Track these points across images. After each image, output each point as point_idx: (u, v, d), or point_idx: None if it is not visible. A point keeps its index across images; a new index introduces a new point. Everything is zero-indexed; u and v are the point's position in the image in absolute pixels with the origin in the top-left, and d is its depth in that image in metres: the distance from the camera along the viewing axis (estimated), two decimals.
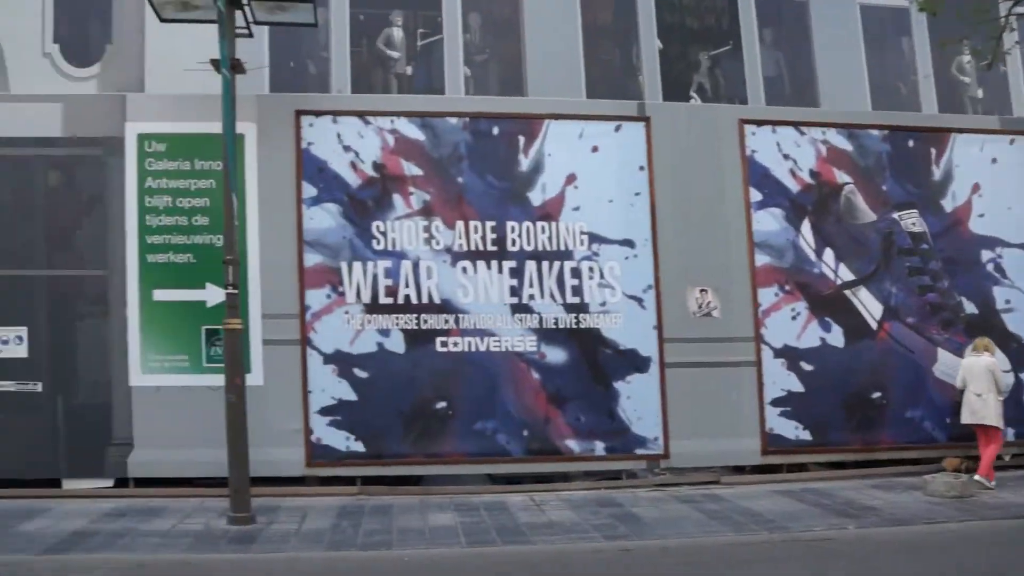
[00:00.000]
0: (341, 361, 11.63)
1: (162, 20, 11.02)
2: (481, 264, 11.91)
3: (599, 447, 12.03)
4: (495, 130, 12.13)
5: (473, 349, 11.82)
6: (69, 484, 11.58)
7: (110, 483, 11.59)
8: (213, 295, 11.34)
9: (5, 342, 11.59)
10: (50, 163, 11.90)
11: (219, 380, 10.55)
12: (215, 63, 10.49)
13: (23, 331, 11.63)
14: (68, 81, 12.63)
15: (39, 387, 11.63)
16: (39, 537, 9.53)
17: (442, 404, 11.77)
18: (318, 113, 11.88)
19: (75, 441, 11.62)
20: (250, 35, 11.12)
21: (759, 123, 12.65)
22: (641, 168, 12.25)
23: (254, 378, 11.17)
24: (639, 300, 12.17)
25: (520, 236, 11.99)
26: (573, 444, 11.98)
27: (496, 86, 13.20)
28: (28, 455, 11.60)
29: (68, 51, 12.80)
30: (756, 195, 12.50)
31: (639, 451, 12.07)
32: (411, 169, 11.90)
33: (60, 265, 11.83)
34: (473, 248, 11.91)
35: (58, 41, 12.79)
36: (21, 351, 11.62)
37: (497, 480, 12.11)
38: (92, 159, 11.83)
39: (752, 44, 13.65)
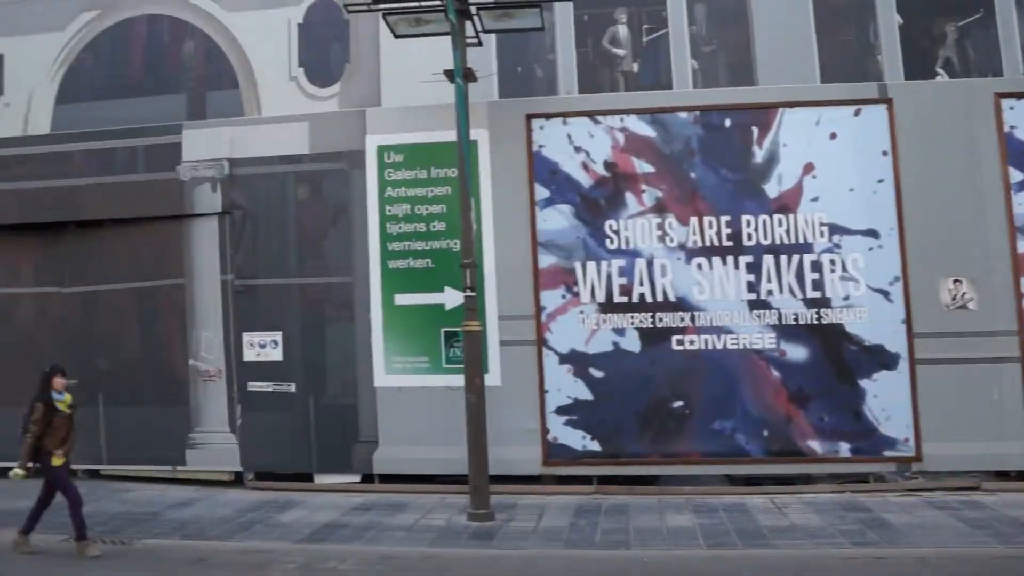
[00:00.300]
0: (577, 361, 11.67)
1: (396, 36, 11.44)
2: (716, 260, 11.60)
3: (844, 448, 11.40)
4: (727, 122, 11.79)
5: (710, 347, 11.53)
6: (320, 478, 12.30)
7: (357, 478, 12.19)
8: (451, 298, 11.69)
9: (263, 346, 12.44)
10: (299, 178, 12.66)
11: (458, 380, 10.86)
12: (448, 74, 10.80)
13: (278, 336, 12.46)
14: (312, 101, 13.37)
15: (293, 388, 12.41)
16: (296, 527, 10.18)
17: (679, 403, 11.54)
18: (548, 116, 11.99)
19: (325, 438, 12.29)
20: (479, 44, 11.41)
21: (1018, 96, 11.57)
22: (884, 153, 11.53)
23: (492, 378, 11.37)
24: (885, 293, 11.44)
25: (756, 230, 11.58)
26: (816, 445, 11.43)
27: (725, 77, 12.79)
28: (284, 451, 12.44)
29: (311, 73, 13.56)
30: (1016, 175, 11.43)
31: (888, 453, 11.34)
32: (642, 166, 11.78)
33: (310, 273, 12.57)
34: (708, 244, 11.62)
35: (303, 65, 13.59)
36: (277, 354, 12.45)
37: (735, 481, 11.74)
38: (337, 172, 12.48)
39: (1007, 9, 12.41)
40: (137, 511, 11.06)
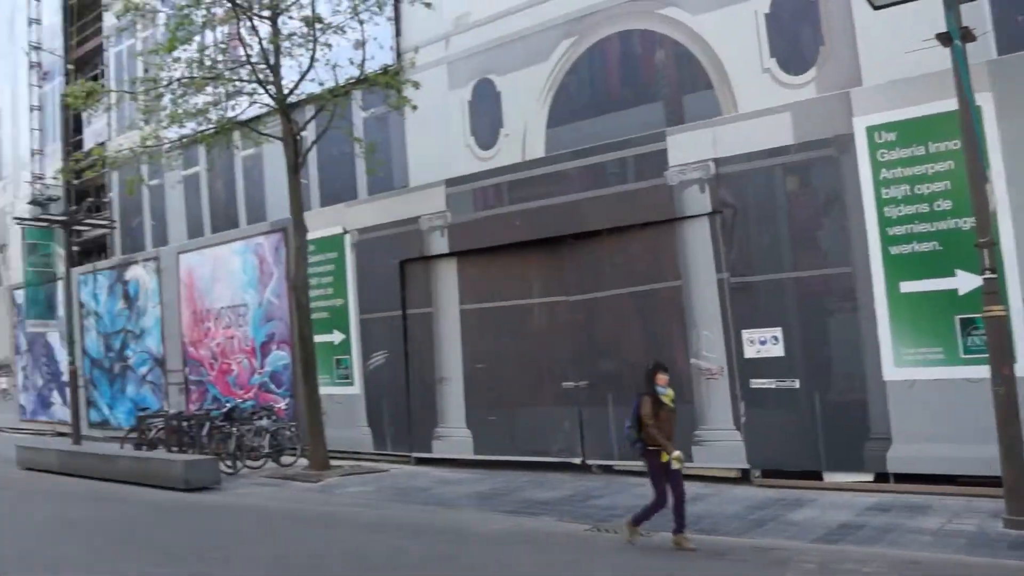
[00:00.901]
0: None
1: (876, 8, 10.85)
2: None
3: None
4: None
5: None
6: (829, 476, 11.98)
7: (869, 477, 11.68)
8: (965, 282, 10.78)
9: (763, 342, 12.45)
10: (786, 170, 12.44)
11: (979, 372, 10.05)
12: (942, 37, 9.96)
13: (778, 331, 12.38)
14: (788, 90, 13.17)
15: (796, 383, 12.23)
16: (809, 526, 10.00)
17: None
18: None
19: (832, 435, 11.94)
20: None
21: None
22: None
23: (1020, 368, 10.18)
24: None
25: None
26: None
27: None
28: (790, 448, 12.30)
29: (784, 62, 13.38)
30: None
31: None
32: None
33: (806, 266, 12.27)
34: None
35: (774, 55, 13.45)
36: (777, 350, 12.38)
37: None
38: (824, 160, 12.09)
39: None
40: None
